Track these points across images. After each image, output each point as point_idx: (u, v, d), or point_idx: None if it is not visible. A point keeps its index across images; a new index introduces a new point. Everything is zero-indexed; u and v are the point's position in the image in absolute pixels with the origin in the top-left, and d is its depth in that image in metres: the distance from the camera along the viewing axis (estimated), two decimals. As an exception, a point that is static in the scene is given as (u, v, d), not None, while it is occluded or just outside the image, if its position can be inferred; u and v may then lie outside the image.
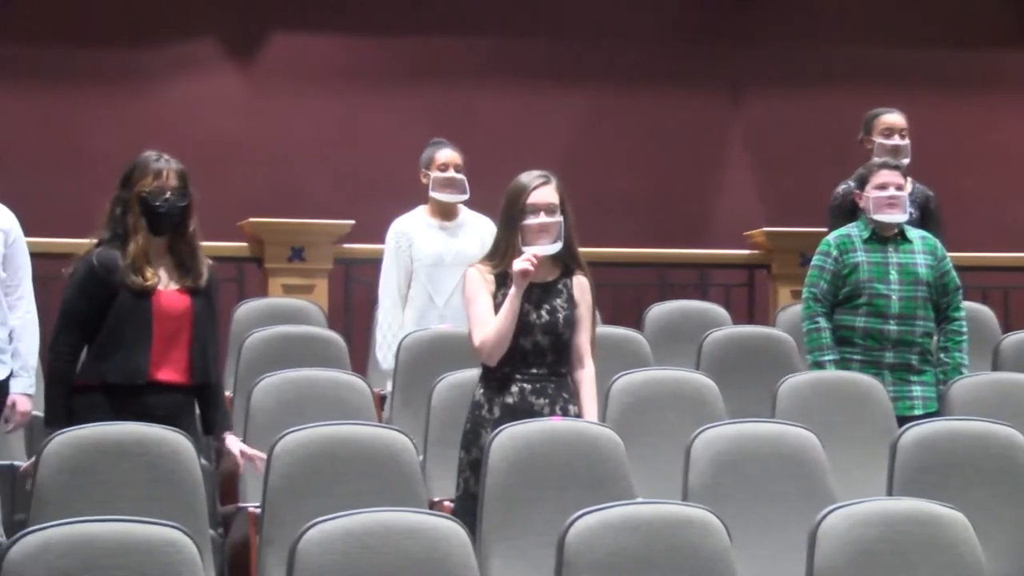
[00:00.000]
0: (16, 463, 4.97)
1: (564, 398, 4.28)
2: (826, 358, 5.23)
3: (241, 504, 4.68)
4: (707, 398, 5.00)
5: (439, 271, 5.78)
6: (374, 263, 6.18)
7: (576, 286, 4.36)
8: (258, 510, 4.16)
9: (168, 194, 4.26)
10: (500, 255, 4.31)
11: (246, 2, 8.15)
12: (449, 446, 4.73)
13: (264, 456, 4.17)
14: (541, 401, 4.25)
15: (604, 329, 5.43)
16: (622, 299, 7.49)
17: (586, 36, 8.57)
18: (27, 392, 4.84)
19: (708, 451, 4.21)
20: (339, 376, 5.08)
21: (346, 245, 7.32)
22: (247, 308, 6.40)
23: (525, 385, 4.25)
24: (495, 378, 4.27)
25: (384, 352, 5.76)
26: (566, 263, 4.35)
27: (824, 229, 5.79)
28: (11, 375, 4.81)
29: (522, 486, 4.01)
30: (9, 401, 4.79)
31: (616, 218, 8.17)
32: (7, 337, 4.82)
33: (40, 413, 5.45)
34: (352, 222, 7.26)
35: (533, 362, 4.26)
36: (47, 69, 7.77)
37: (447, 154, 5.85)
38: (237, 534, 4.60)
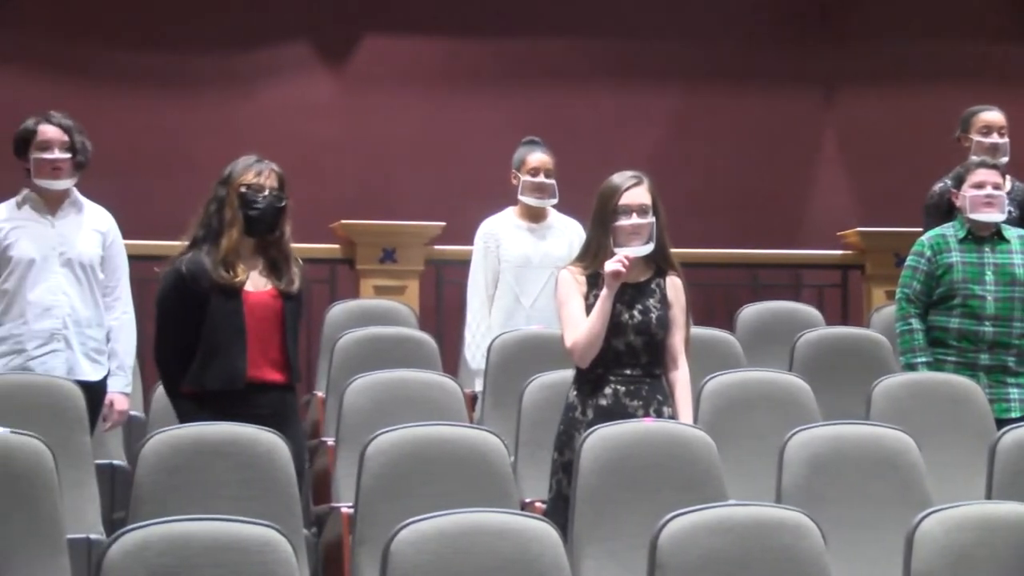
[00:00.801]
0: (115, 462, 5.05)
1: (658, 400, 4.26)
2: (919, 360, 5.17)
3: (334, 504, 4.72)
4: (800, 400, 4.95)
5: (526, 272, 5.78)
6: (465, 264, 6.20)
7: (670, 287, 4.33)
8: (351, 510, 4.19)
9: (267, 192, 4.30)
10: (592, 256, 4.30)
11: (339, 6, 8.21)
12: (540, 447, 4.74)
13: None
14: (635, 403, 4.23)
15: (695, 330, 5.38)
16: (713, 300, 7.44)
17: (678, 36, 8.53)
18: (124, 391, 4.92)
19: (802, 453, 4.17)
20: (430, 377, 5.09)
21: (437, 246, 7.35)
22: (339, 309, 6.45)
23: (619, 387, 4.24)
24: (588, 380, 4.26)
25: (472, 352, 5.78)
26: (658, 264, 4.33)
27: (920, 229, 5.72)
28: (108, 374, 4.90)
29: (614, 488, 4.00)
30: (107, 400, 4.88)
31: (707, 219, 8.12)
32: (105, 338, 4.90)
33: (137, 413, 5.56)
34: (443, 224, 7.28)
35: (627, 363, 4.24)
36: (148, 75, 7.89)
37: (538, 158, 5.84)
38: (330, 534, 4.64)
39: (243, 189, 4.28)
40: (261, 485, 3.97)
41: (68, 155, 4.85)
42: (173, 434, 4.02)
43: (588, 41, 8.45)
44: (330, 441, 5.16)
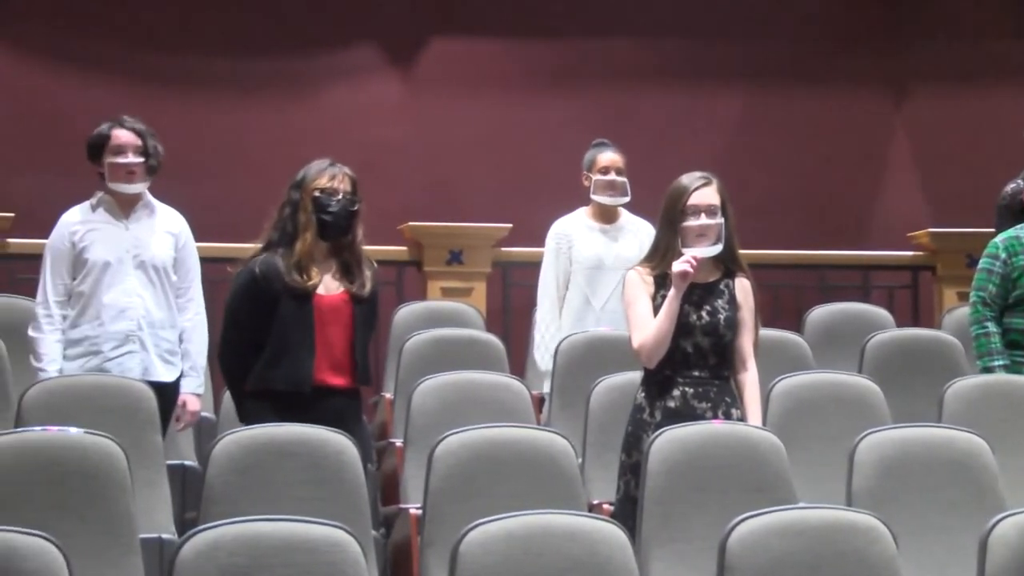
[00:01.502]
0: (187, 463, 5.10)
1: (727, 402, 4.24)
2: (996, 363, 5.10)
3: (403, 505, 4.73)
4: (870, 402, 4.91)
5: (598, 274, 5.77)
6: (532, 266, 6.20)
7: (738, 288, 4.31)
8: (419, 511, 4.20)
9: (340, 196, 4.32)
10: (659, 257, 4.28)
11: (405, 8, 8.24)
12: (607, 449, 4.73)
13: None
14: (704, 405, 4.21)
15: (764, 332, 5.36)
16: (781, 301, 7.40)
17: (746, 36, 8.49)
18: (196, 392, 4.96)
19: (873, 456, 4.13)
20: (497, 378, 5.10)
21: (504, 248, 7.36)
22: (406, 311, 6.47)
23: (687, 388, 4.22)
24: (656, 381, 4.25)
25: (542, 353, 5.78)
26: (727, 265, 4.31)
27: (991, 229, 5.65)
28: (181, 375, 4.94)
29: (682, 490, 3.98)
30: (179, 401, 4.92)
31: (776, 219, 8.08)
32: (178, 339, 4.95)
33: (208, 414, 5.61)
34: (510, 225, 7.29)
35: (695, 365, 4.22)
36: (217, 79, 7.97)
37: (609, 157, 5.84)
38: (399, 535, 4.65)
39: (317, 193, 4.31)
40: (330, 486, 3.99)
41: (141, 159, 4.90)
42: (243, 435, 4.06)
43: (655, 41, 8.43)
44: (398, 442, 5.18)
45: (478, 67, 8.30)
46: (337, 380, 4.31)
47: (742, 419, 4.23)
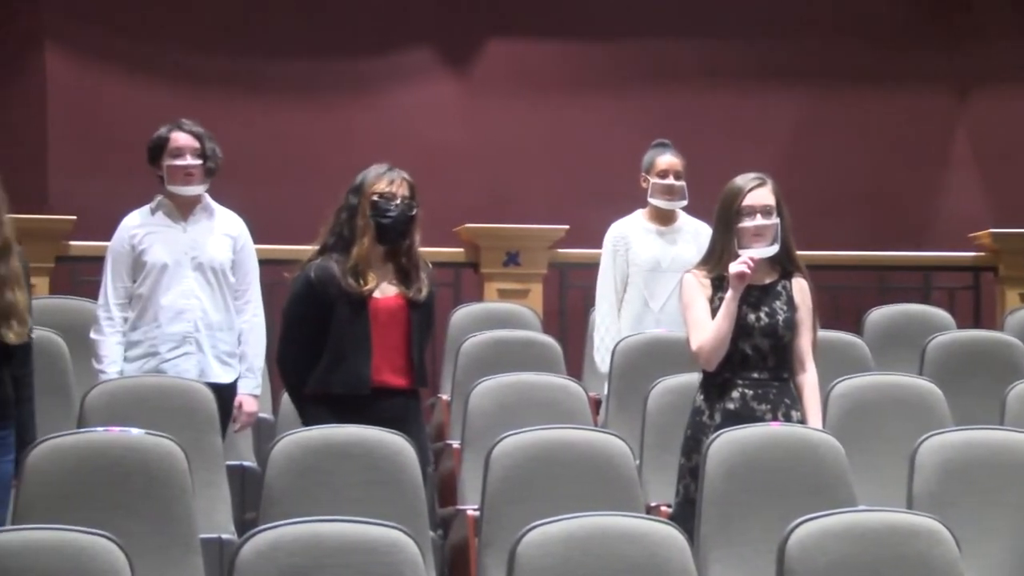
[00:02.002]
0: (246, 463, 5.14)
1: (787, 403, 4.22)
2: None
3: (460, 506, 4.74)
4: (931, 404, 4.87)
5: (656, 276, 5.75)
6: (588, 267, 6.18)
7: (796, 288, 4.29)
8: (477, 512, 4.21)
9: (399, 201, 4.34)
10: (716, 259, 4.27)
11: (463, 10, 8.26)
12: (665, 451, 4.71)
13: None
14: (763, 407, 4.19)
15: (822, 333, 5.33)
16: (840, 303, 7.34)
17: (806, 35, 8.43)
18: (253, 393, 4.99)
19: (934, 458, 4.09)
20: (554, 380, 5.10)
21: (561, 250, 7.35)
22: (463, 313, 6.48)
23: (747, 390, 4.20)
24: (715, 384, 4.23)
25: (602, 355, 5.77)
26: (784, 266, 4.29)
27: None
28: (239, 377, 4.97)
29: (741, 492, 3.96)
30: (236, 402, 4.95)
31: (835, 220, 8.02)
32: (236, 341, 4.98)
33: (266, 415, 5.64)
34: (566, 227, 7.28)
35: (754, 366, 4.20)
36: (275, 81, 8.01)
37: (668, 160, 5.81)
38: (456, 536, 4.66)
39: (375, 198, 4.33)
40: (388, 487, 4.01)
41: (199, 161, 4.94)
42: (302, 436, 4.08)
43: (713, 42, 8.39)
44: (455, 444, 5.19)
45: (535, 69, 8.30)
46: (396, 381, 4.33)
47: (802, 421, 4.21)
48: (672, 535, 3.30)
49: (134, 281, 4.93)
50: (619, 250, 5.80)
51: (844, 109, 8.43)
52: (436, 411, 6.17)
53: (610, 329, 5.76)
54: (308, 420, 4.32)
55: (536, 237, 7.34)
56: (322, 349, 4.30)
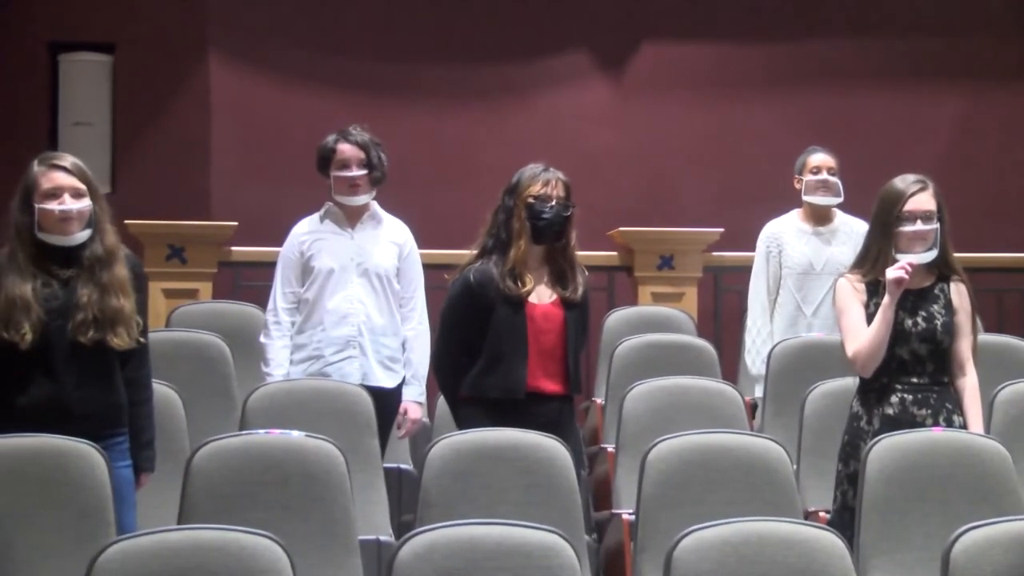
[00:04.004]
0: (402, 466, 5.20)
1: (948, 408, 4.13)
2: None
3: (615, 511, 4.73)
4: (1101, 409, 4.72)
5: (809, 279, 5.68)
6: (743, 271, 6.13)
7: (954, 292, 4.20)
8: (632, 517, 4.20)
9: (554, 202, 4.35)
10: (871, 262, 4.20)
11: (617, 14, 8.25)
12: (822, 456, 4.65)
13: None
14: (923, 412, 4.11)
15: (986, 337, 5.21)
16: (1006, 306, 7.16)
17: (966, 33, 8.25)
18: (418, 400, 5.04)
19: (1104, 466, 3.97)
20: (710, 384, 5.06)
21: (715, 253, 7.30)
22: (617, 316, 6.47)
23: (906, 396, 4.13)
24: (873, 389, 4.16)
25: (753, 357, 5.72)
26: (940, 269, 4.20)
27: None
28: (403, 382, 5.03)
29: (902, 498, 3.89)
30: (401, 408, 5.01)
31: (998, 221, 7.83)
32: (400, 347, 5.04)
33: (424, 418, 5.70)
34: (721, 230, 7.23)
35: (912, 371, 4.13)
36: (435, 87, 8.10)
37: (820, 157, 5.76)
38: (611, 540, 4.66)
39: (531, 199, 4.34)
40: (543, 490, 4.02)
41: (365, 171, 5.01)
42: (458, 439, 4.11)
43: (868, 41, 8.25)
44: (610, 448, 5.19)
45: (689, 71, 8.26)
46: (551, 386, 4.34)
47: (964, 426, 4.12)
48: (832, 541, 3.25)
49: (302, 287, 5.02)
50: (772, 251, 5.75)
51: (1008, 108, 8.23)
52: (590, 415, 6.17)
53: (761, 332, 5.71)
54: (462, 423, 4.35)
55: (690, 240, 7.29)
56: (479, 352, 4.33)
